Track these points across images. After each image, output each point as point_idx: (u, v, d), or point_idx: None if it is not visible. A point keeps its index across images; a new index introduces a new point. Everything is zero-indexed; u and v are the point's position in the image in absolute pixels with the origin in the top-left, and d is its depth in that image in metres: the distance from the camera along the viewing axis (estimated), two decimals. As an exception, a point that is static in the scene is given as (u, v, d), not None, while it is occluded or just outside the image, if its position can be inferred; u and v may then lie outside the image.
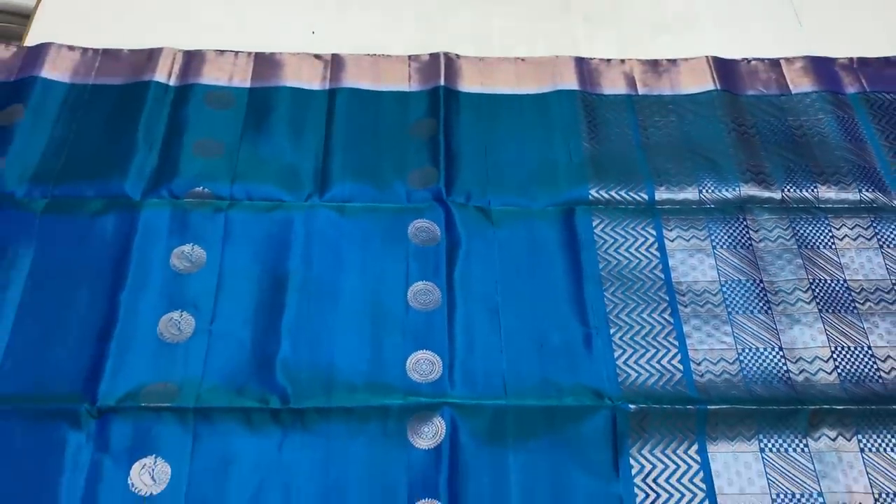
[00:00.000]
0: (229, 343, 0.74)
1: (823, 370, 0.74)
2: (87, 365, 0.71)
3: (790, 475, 0.68)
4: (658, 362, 0.74)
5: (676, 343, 0.75)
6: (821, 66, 0.97)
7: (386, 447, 0.68)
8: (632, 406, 0.70)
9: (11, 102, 0.89)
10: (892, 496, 0.68)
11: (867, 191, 0.86)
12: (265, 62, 0.95)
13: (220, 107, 0.90)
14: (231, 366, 0.72)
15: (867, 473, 0.69)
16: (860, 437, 0.70)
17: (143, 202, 0.82)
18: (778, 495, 0.67)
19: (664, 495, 0.67)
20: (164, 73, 0.93)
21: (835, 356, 0.75)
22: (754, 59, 0.98)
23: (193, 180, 0.84)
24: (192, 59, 0.95)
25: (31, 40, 0.98)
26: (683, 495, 0.67)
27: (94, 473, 0.66)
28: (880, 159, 0.89)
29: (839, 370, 0.74)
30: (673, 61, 0.98)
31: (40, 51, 0.94)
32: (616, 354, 0.74)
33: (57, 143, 0.87)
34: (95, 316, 0.74)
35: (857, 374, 0.74)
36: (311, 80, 0.94)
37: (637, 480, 0.67)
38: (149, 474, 0.66)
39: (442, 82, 0.93)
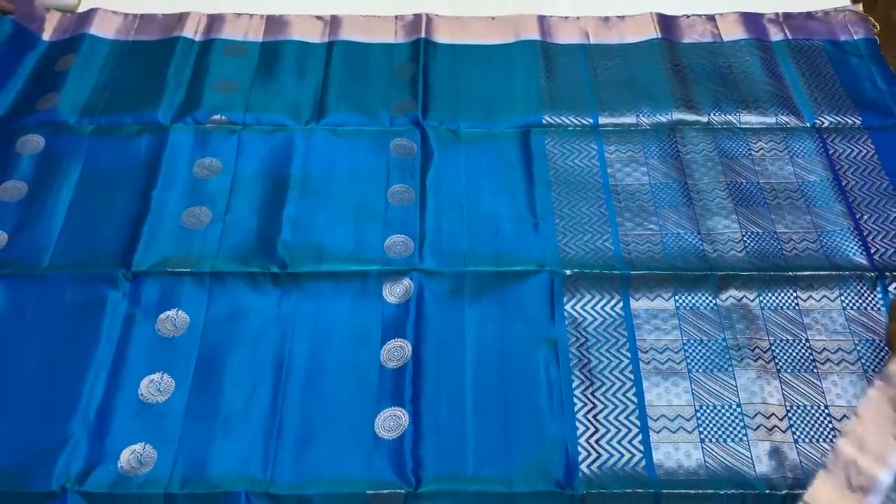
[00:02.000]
0: (239, 229, 0.90)
1: (734, 249, 0.88)
2: (124, 243, 0.87)
3: (700, 326, 0.82)
4: (593, 244, 0.88)
5: (609, 229, 0.90)
6: (750, 19, 1.13)
7: (364, 302, 0.83)
8: (567, 271, 0.85)
9: (66, 53, 1.08)
10: (784, 342, 0.81)
11: (783, 115, 1.00)
12: (275, 22, 1.13)
13: (237, 55, 1.08)
14: (240, 245, 0.88)
15: (766, 327, 0.82)
16: (761, 298, 0.83)
17: (172, 126, 0.99)
18: (688, 341, 0.81)
19: (591, 339, 0.81)
20: (191, 31, 1.11)
21: (745, 239, 0.89)
22: (693, 14, 1.14)
23: (213, 110, 1.00)
24: (214, 20, 1.13)
25: (81, 9, 1.17)
26: (608, 339, 0.81)
27: (128, 322, 0.81)
28: (797, 91, 1.03)
29: (747, 249, 0.88)
30: (622, 17, 1.14)
31: (89, 14, 1.13)
32: (558, 238, 0.89)
33: (102, 85, 1.04)
34: (131, 208, 0.91)
35: (763, 251, 0.87)
36: (313, 35, 1.12)
37: (570, 328, 0.82)
38: (172, 322, 0.82)
39: (423, 35, 1.10)
